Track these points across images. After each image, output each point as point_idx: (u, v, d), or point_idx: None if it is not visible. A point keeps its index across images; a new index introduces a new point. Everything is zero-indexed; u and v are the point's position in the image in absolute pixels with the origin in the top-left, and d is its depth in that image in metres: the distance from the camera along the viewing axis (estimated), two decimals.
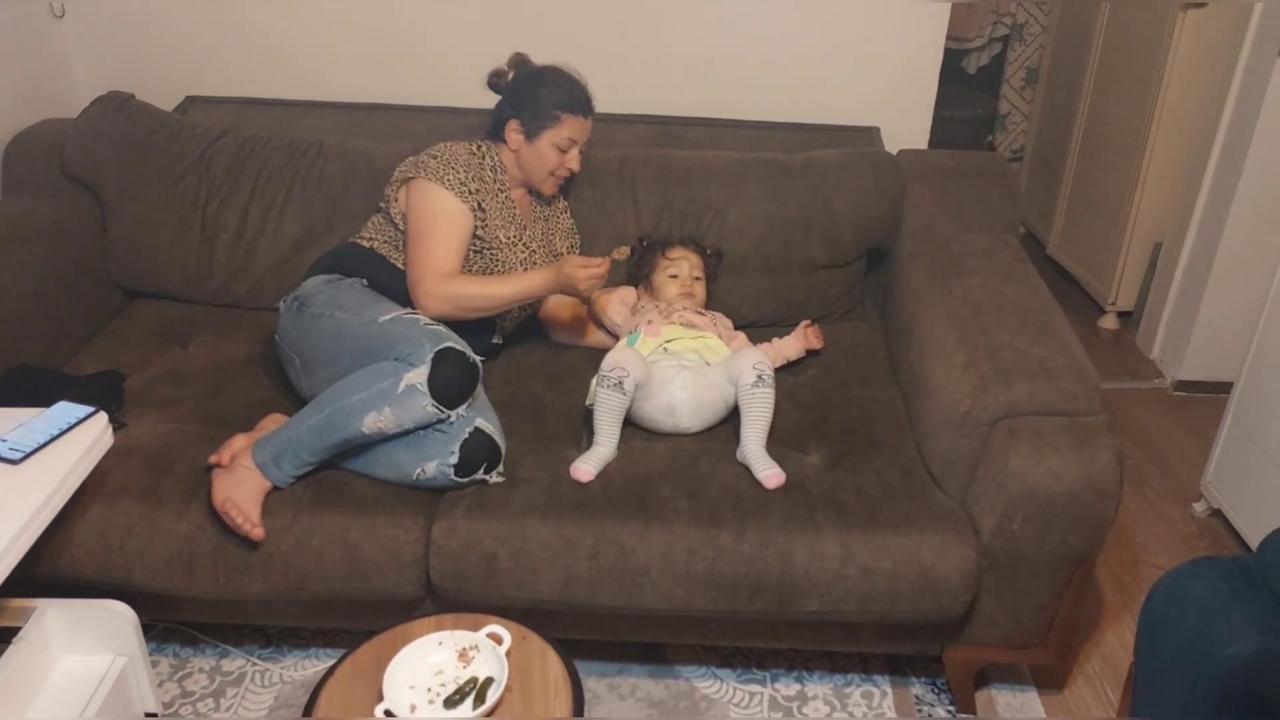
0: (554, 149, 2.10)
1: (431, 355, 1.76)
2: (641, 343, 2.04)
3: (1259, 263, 2.78)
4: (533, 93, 2.09)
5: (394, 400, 1.74)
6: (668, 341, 2.04)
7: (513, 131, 2.10)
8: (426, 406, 1.75)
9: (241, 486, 1.76)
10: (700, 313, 2.17)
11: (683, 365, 1.98)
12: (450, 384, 1.76)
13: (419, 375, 1.74)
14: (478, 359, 1.83)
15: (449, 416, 1.79)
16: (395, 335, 1.83)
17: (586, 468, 1.84)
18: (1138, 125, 3.31)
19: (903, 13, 2.55)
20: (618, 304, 2.23)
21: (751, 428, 1.87)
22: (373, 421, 1.75)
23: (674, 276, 2.23)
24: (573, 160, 2.14)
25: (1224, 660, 1.29)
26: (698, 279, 2.24)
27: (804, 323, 2.26)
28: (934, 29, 2.58)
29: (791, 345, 2.22)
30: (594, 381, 1.98)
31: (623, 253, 2.07)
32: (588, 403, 2.02)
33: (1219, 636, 1.30)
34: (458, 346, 1.80)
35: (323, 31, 2.60)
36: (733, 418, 1.96)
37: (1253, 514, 2.34)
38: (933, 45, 2.60)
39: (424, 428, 1.79)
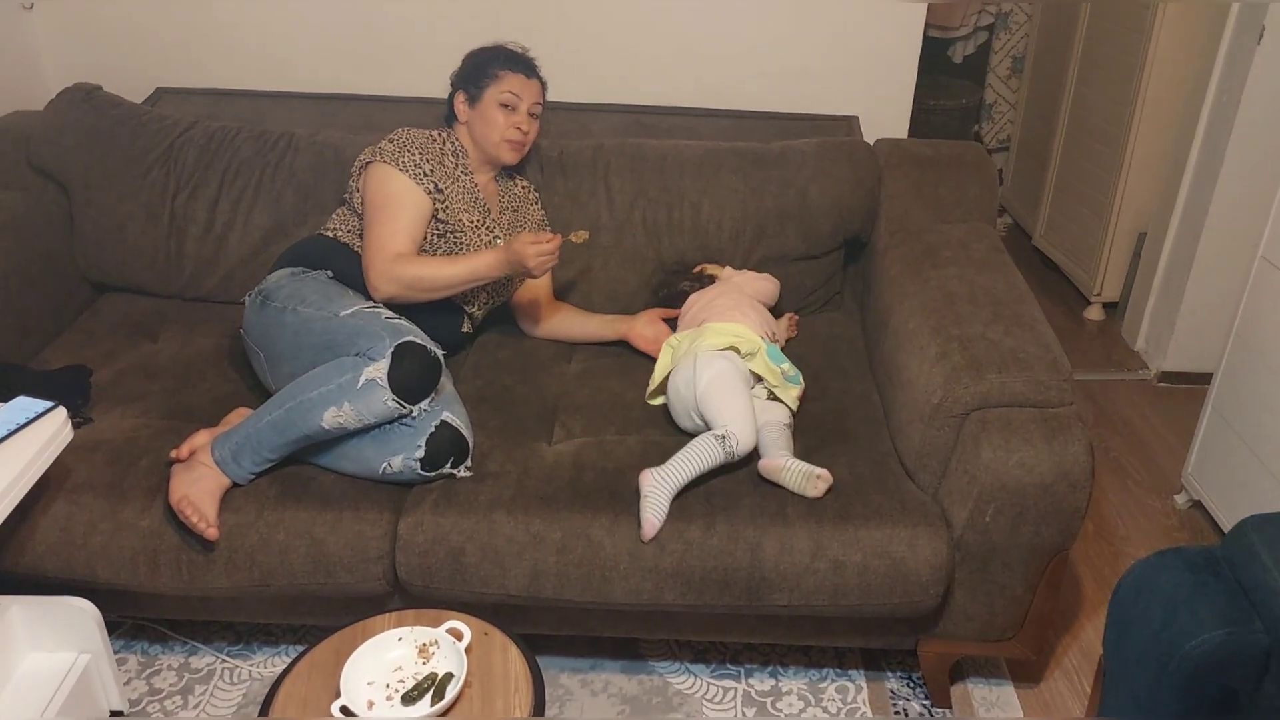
0: (498, 106, 2.07)
1: (391, 350, 1.73)
2: (767, 361, 1.96)
3: (1241, 253, 2.76)
4: (472, 62, 2.11)
5: (353, 395, 1.72)
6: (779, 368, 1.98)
7: (460, 104, 2.10)
8: (387, 401, 1.73)
9: (199, 484, 1.74)
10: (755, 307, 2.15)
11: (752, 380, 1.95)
12: (410, 378, 1.74)
13: (379, 370, 1.72)
14: (439, 353, 1.81)
15: (410, 411, 1.76)
16: (356, 330, 1.81)
17: (655, 520, 1.73)
18: (1120, 115, 3.30)
19: (881, 1, 2.53)
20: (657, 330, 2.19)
21: (785, 444, 1.84)
22: (332, 417, 1.73)
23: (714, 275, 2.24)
24: (522, 120, 2.09)
25: (1189, 652, 1.27)
26: None
27: (789, 315, 2.27)
28: (913, 17, 2.56)
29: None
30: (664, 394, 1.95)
31: (581, 236, 2.02)
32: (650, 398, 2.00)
33: (1185, 628, 1.29)
34: (418, 341, 1.78)
35: (294, 22, 2.58)
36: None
37: (1232, 505, 2.33)
38: (912, 33, 2.58)
39: (386, 423, 1.77)
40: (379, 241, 1.96)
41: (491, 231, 2.12)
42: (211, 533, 1.72)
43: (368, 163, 2.04)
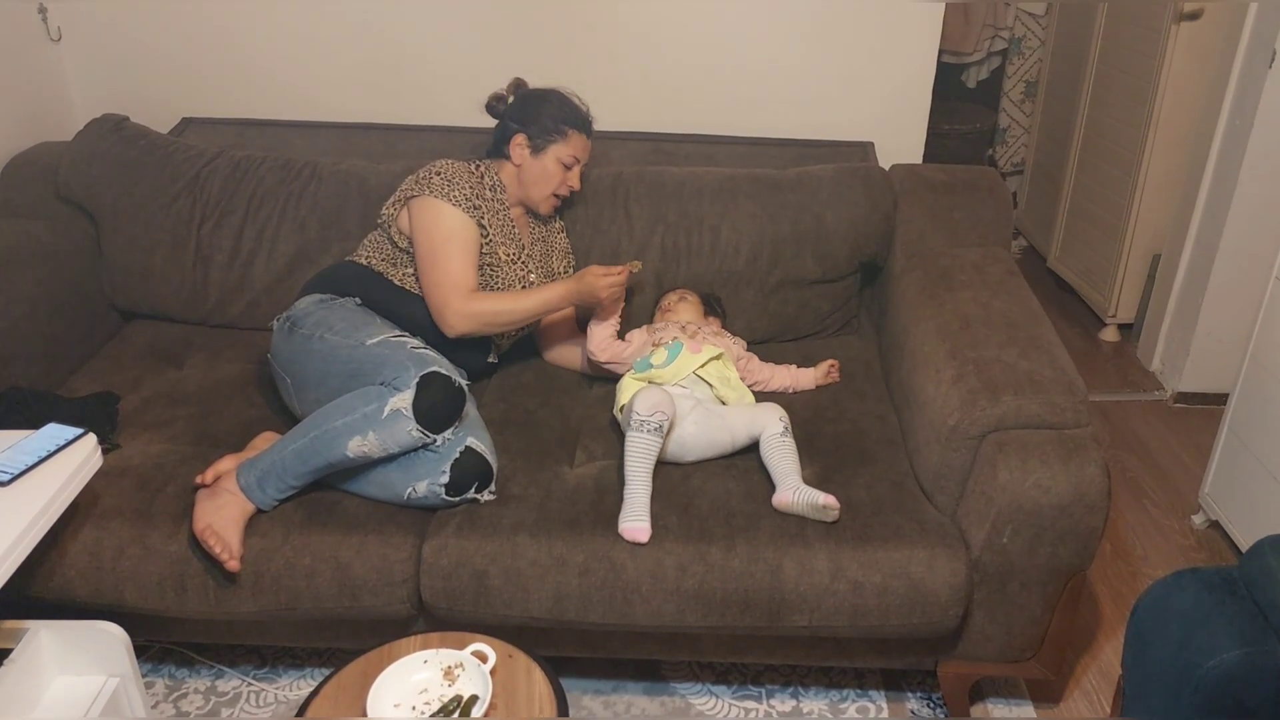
0: (559, 164, 2.12)
1: (416, 380, 1.76)
2: (683, 358, 2.01)
3: (1256, 274, 2.77)
4: (539, 109, 2.12)
5: (378, 425, 1.75)
6: (700, 366, 2.01)
7: (518, 146, 2.12)
8: (411, 431, 1.75)
9: (222, 512, 1.76)
10: (718, 333, 2.18)
11: (697, 400, 1.96)
12: (435, 409, 1.76)
13: (404, 400, 1.75)
14: (464, 383, 1.83)
15: (435, 440, 1.79)
16: (382, 359, 1.83)
17: (641, 525, 1.77)
18: (1134, 138, 3.31)
19: (896, 28, 2.56)
20: (614, 344, 2.20)
21: (791, 469, 1.84)
22: (357, 446, 1.75)
23: (683, 300, 2.25)
24: (574, 179, 2.16)
25: (1208, 672, 1.28)
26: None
27: (830, 362, 2.23)
28: (927, 44, 2.59)
29: (808, 378, 2.21)
30: (619, 409, 1.97)
31: (636, 266, 2.07)
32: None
33: (1203, 648, 1.30)
34: (443, 371, 1.80)
35: (317, 52, 2.63)
36: (731, 455, 1.95)
37: (1249, 525, 2.33)
38: (926, 61, 2.61)
39: (410, 452, 1.79)
40: (450, 279, 1.98)
41: (526, 267, 2.15)
42: (233, 565, 1.73)
43: (412, 197, 2.04)
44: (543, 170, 2.12)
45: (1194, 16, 3.04)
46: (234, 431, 2.01)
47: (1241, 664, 1.27)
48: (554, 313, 2.09)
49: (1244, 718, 1.29)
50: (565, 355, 2.28)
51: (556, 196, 2.17)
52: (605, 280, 1.94)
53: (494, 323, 2.01)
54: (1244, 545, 2.34)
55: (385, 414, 1.74)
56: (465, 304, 1.97)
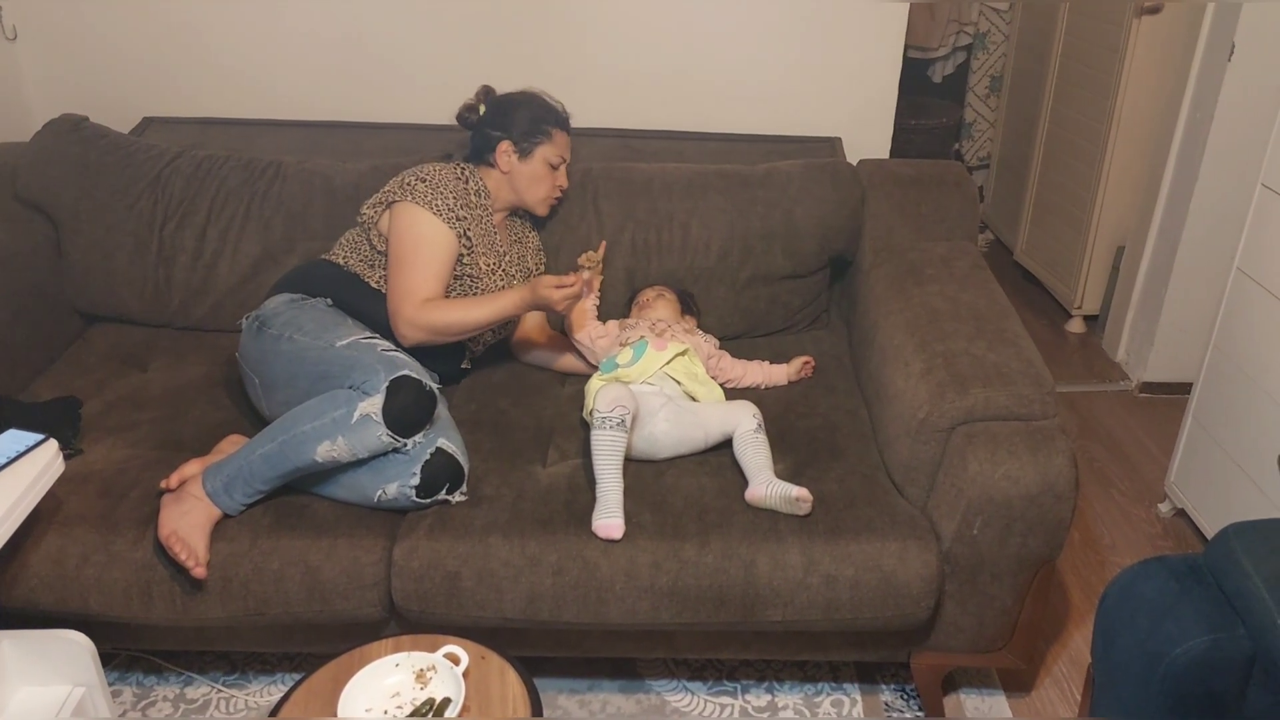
0: (547, 166, 2.12)
1: (386, 384, 1.74)
2: (648, 356, 2.01)
3: (1218, 264, 2.81)
4: (517, 113, 2.11)
5: (347, 430, 1.72)
6: (666, 363, 2.01)
7: (504, 153, 2.10)
8: (381, 436, 1.73)
9: (188, 517, 1.73)
10: (690, 331, 2.18)
11: (668, 397, 1.96)
12: (405, 413, 1.74)
13: (373, 405, 1.72)
14: (435, 387, 1.81)
15: (405, 445, 1.77)
16: (351, 361, 1.81)
17: (614, 521, 1.75)
18: (1097, 131, 3.35)
19: (862, 25, 2.57)
20: (592, 323, 2.21)
21: (765, 464, 1.85)
22: (326, 451, 1.73)
23: (661, 296, 2.25)
24: (562, 177, 2.17)
25: (1175, 659, 1.29)
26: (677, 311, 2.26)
27: (804, 359, 2.23)
28: (893, 40, 2.60)
29: (781, 374, 2.21)
30: (589, 412, 1.96)
31: (591, 259, 2.07)
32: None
33: (1170, 635, 1.31)
34: (413, 374, 1.77)
35: (281, 50, 2.60)
36: (704, 452, 1.95)
37: (1214, 513, 2.36)
38: (892, 56, 2.62)
39: (379, 456, 1.77)
40: (407, 286, 1.95)
41: (507, 273, 2.13)
42: (199, 572, 1.71)
43: (394, 200, 2.02)
44: (533, 174, 2.12)
45: (1154, 11, 3.07)
46: (199, 435, 1.98)
47: (1209, 650, 1.29)
48: (508, 319, 2.03)
49: (1212, 703, 1.31)
50: (537, 354, 2.27)
51: (552, 200, 2.18)
52: (560, 294, 1.89)
53: (445, 333, 1.97)
54: (1209, 533, 2.38)
55: (355, 419, 1.72)
56: (415, 313, 1.94)
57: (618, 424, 1.81)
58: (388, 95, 2.63)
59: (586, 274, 2.01)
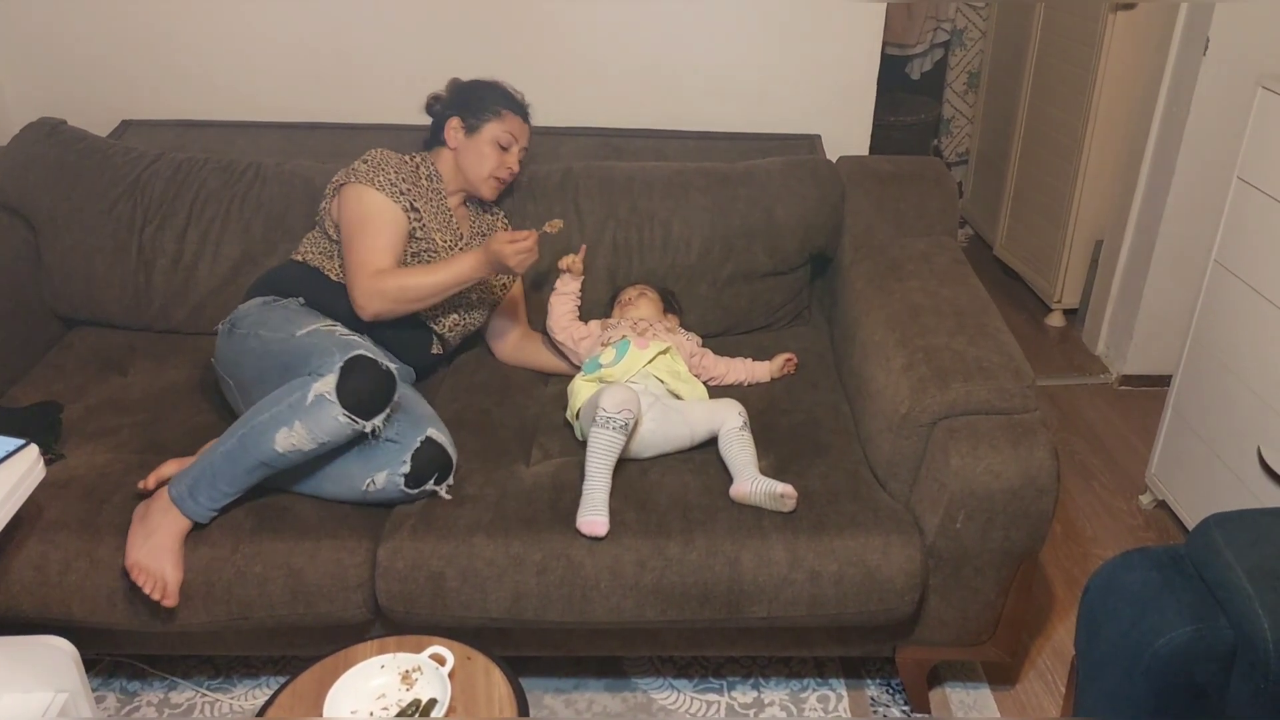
0: (494, 145, 2.10)
1: (340, 364, 1.71)
2: (630, 355, 2.01)
3: (1195, 257, 2.84)
4: (472, 93, 2.12)
5: (303, 413, 1.69)
6: (648, 361, 2.01)
7: (453, 129, 2.11)
8: (338, 417, 1.69)
9: (153, 539, 1.69)
10: (672, 330, 2.18)
11: (654, 396, 1.96)
12: (360, 391, 1.70)
13: (327, 384, 1.69)
14: (391, 367, 1.78)
15: (365, 428, 1.73)
16: (309, 348, 1.79)
17: (599, 518, 1.75)
18: (1074, 126, 3.37)
19: (840, 23, 2.58)
20: (574, 323, 2.21)
21: (749, 460, 1.85)
22: (285, 438, 1.69)
23: (643, 295, 2.25)
24: (512, 160, 2.14)
25: (1158, 649, 1.30)
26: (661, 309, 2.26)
27: (787, 356, 2.23)
28: (871, 37, 2.61)
29: (764, 371, 2.21)
30: (575, 413, 1.96)
31: (555, 225, 2.06)
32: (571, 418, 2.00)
33: (1153, 627, 1.32)
34: (368, 354, 1.74)
35: (259, 52, 2.58)
36: (688, 450, 1.96)
37: (1194, 504, 2.38)
38: (870, 53, 2.63)
39: (342, 443, 1.74)
40: (359, 258, 1.94)
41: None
42: (168, 602, 1.68)
43: (341, 185, 2.03)
44: (478, 152, 2.10)
45: (1130, 6, 3.09)
46: (181, 439, 1.97)
47: (1191, 641, 1.30)
48: (469, 284, 1.99)
49: (1195, 693, 1.32)
50: (519, 355, 2.27)
51: (497, 179, 2.14)
52: (512, 248, 1.87)
53: (404, 298, 1.94)
54: (1190, 524, 2.40)
55: (309, 401, 1.69)
56: (370, 281, 1.92)
57: (620, 426, 1.81)
58: (367, 96, 2.62)
59: (544, 230, 2.01)
